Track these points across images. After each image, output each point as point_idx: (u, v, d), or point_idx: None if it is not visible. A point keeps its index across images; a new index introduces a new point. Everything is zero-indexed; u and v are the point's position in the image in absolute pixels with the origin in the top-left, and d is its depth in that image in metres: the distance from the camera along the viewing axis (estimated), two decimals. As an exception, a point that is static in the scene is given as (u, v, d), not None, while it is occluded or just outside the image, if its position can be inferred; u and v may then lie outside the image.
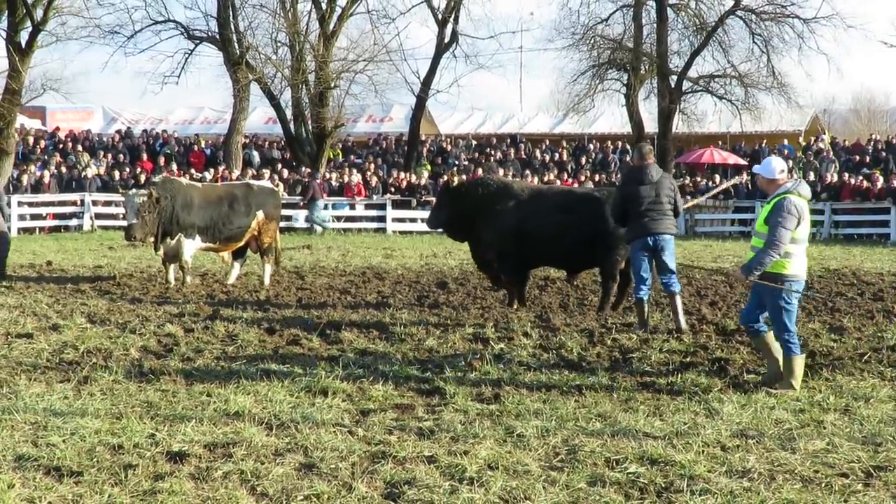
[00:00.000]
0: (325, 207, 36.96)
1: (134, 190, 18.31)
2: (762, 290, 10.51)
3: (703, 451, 8.09)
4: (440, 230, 16.39)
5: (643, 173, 13.98)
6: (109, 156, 42.58)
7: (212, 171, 39.16)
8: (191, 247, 18.42)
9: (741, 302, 16.85)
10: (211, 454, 7.94)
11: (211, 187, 20.61)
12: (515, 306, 15.91)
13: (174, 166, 38.86)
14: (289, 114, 44.57)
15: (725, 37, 44.15)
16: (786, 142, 45.72)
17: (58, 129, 49.16)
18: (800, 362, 10.46)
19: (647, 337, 13.32)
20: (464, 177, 33.64)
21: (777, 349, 10.62)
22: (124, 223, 18.48)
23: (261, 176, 35.74)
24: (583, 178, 39.82)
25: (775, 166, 10.64)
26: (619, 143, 47.90)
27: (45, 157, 40.84)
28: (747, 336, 11.41)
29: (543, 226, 15.69)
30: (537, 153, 46.39)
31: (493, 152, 47.02)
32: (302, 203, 36.02)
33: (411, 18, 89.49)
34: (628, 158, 43.03)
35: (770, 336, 10.72)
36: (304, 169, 40.28)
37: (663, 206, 13.90)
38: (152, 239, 17.86)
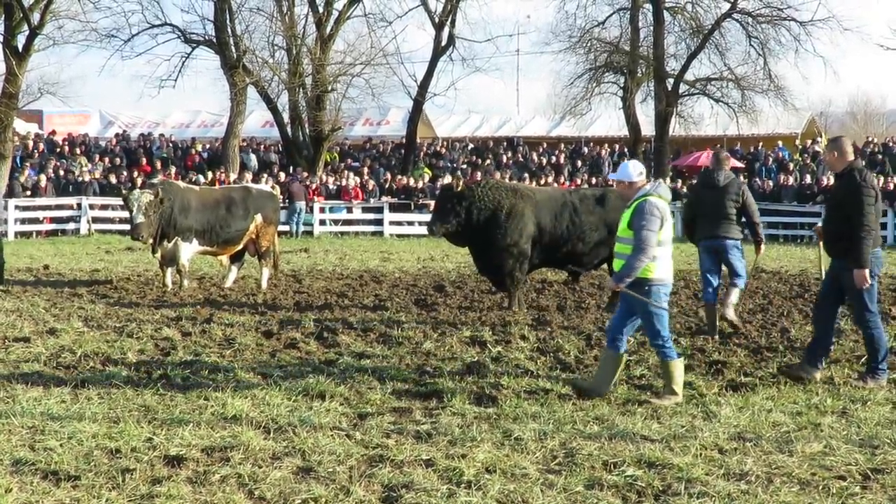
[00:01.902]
0: (310, 210, 36.89)
1: (138, 190, 18.28)
2: (631, 298, 10.18)
3: (700, 454, 8.08)
4: (443, 235, 16.15)
5: (712, 178, 14.06)
6: (106, 159, 42.57)
7: (209, 174, 39.09)
8: (188, 250, 18.42)
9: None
10: (208, 458, 7.93)
11: (209, 191, 20.61)
12: (515, 308, 15.93)
13: (172, 170, 38.86)
14: (286, 117, 44.59)
15: (722, 40, 44.32)
16: (780, 144, 45.73)
17: (54, 132, 49.13)
18: (678, 366, 10.16)
19: (645, 340, 13.31)
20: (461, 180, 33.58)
21: (616, 372, 10.31)
22: (122, 227, 18.44)
23: (259, 179, 35.78)
24: (579, 181, 39.82)
25: (633, 169, 10.34)
26: (616, 146, 47.90)
27: (42, 160, 40.79)
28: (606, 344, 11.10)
29: (562, 227, 15.82)
30: (534, 156, 46.38)
31: (488, 155, 47.03)
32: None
33: (408, 22, 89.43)
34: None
35: (622, 359, 10.37)
36: (302, 172, 40.27)
37: (726, 210, 13.91)
38: (151, 241, 17.87)
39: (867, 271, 10.55)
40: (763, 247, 14.75)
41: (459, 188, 15.91)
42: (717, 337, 13.63)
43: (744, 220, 14.09)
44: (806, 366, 10.89)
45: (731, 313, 14.00)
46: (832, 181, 36.28)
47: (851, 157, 10.86)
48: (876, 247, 10.73)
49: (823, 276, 11.78)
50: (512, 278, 16.01)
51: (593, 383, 10.35)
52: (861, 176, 10.60)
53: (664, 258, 10.09)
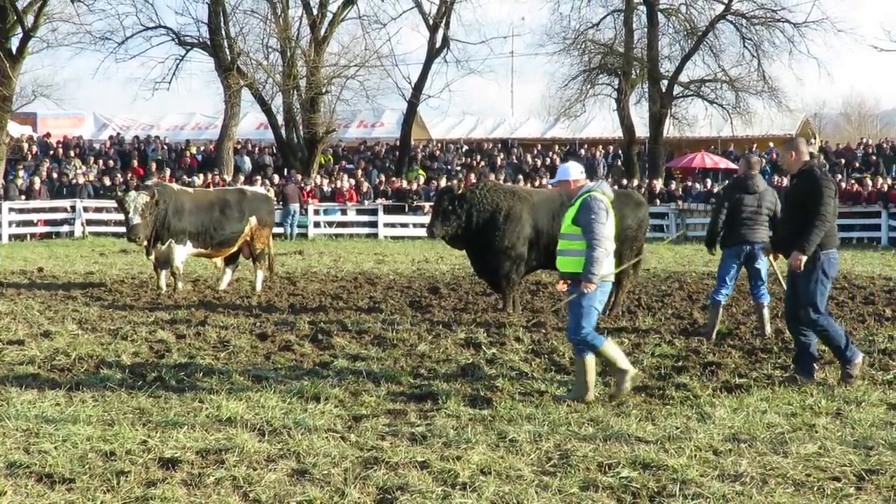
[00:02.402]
0: (304, 213, 36.88)
1: (134, 192, 18.27)
2: (571, 293, 10.19)
3: (695, 456, 8.09)
4: (442, 237, 16.07)
5: (750, 183, 14.08)
6: (101, 162, 42.54)
7: (201, 176, 39.04)
8: (182, 252, 18.41)
9: (733, 306, 16.88)
10: (203, 460, 7.92)
11: (203, 193, 20.59)
12: (509, 310, 15.93)
13: (166, 172, 38.85)
14: (280, 119, 44.60)
15: (716, 41, 44.45)
16: (771, 145, 45.79)
17: (48, 135, 49.11)
18: (610, 346, 10.20)
19: (640, 342, 13.35)
20: (461, 182, 33.59)
21: (592, 370, 10.27)
22: (116, 229, 18.42)
23: (253, 182, 35.77)
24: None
25: (573, 170, 10.43)
26: (611, 148, 47.93)
27: (36, 163, 40.78)
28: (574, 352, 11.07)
29: (559, 229, 15.83)
30: (528, 158, 46.40)
31: (482, 157, 47.07)
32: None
33: (402, 24, 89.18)
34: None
35: (591, 358, 10.33)
36: (296, 174, 40.27)
37: (762, 216, 13.98)
38: (145, 243, 17.87)
39: (804, 258, 10.53)
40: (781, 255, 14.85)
41: (461, 190, 15.89)
42: (712, 339, 13.66)
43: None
44: (801, 376, 10.89)
45: (770, 331, 14.20)
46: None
47: (807, 156, 10.86)
48: (832, 248, 10.68)
49: (786, 287, 11.73)
50: (508, 280, 16.02)
51: (575, 392, 10.35)
52: (820, 171, 10.65)
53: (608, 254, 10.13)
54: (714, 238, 14.27)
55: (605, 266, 10.05)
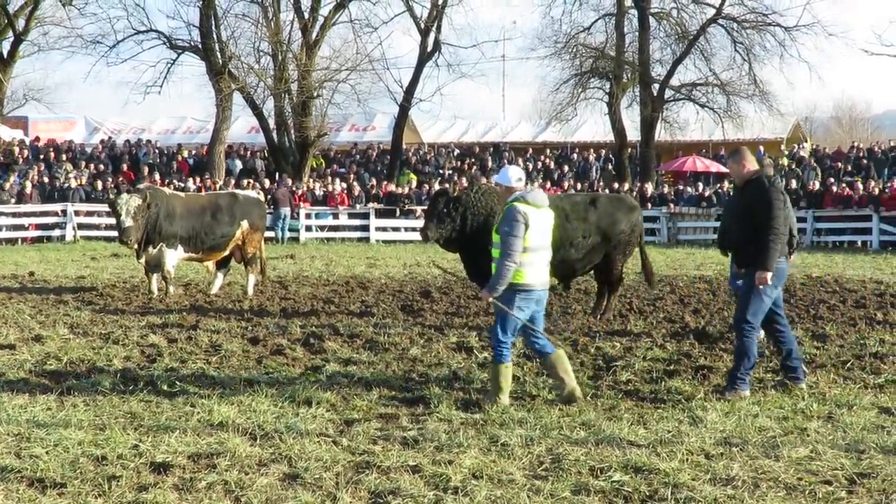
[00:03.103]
0: (296, 217, 36.88)
1: (126, 195, 18.25)
2: (498, 300, 10.14)
3: (687, 459, 8.09)
4: (437, 241, 15.95)
5: None
6: (92, 166, 42.48)
7: (195, 179, 39.05)
8: (173, 257, 18.38)
9: (724, 309, 16.91)
10: (195, 465, 7.92)
11: (194, 197, 20.58)
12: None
13: (157, 176, 38.84)
14: (271, 123, 44.61)
15: (707, 45, 44.56)
16: (762, 149, 45.80)
17: (37, 139, 49.07)
18: (506, 372, 10.11)
19: (632, 346, 13.37)
20: (456, 185, 33.59)
21: (566, 368, 10.31)
22: (107, 233, 18.40)
23: (246, 186, 35.75)
24: (567, 186, 39.84)
25: (512, 174, 10.40)
26: (602, 152, 47.97)
27: (27, 167, 40.72)
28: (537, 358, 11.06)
29: (557, 232, 15.83)
30: (520, 162, 46.41)
31: (473, 160, 47.12)
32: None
33: (394, 27, 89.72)
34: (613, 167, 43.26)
35: (560, 353, 10.42)
36: (287, 178, 40.28)
37: None
38: (136, 246, 17.85)
39: (769, 275, 10.51)
40: (793, 256, 14.93)
41: (456, 193, 15.83)
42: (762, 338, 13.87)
43: None
44: (789, 381, 10.88)
45: None
46: (816, 186, 36.49)
47: (755, 165, 10.80)
48: (780, 256, 10.62)
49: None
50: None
51: (562, 391, 10.32)
52: (769, 182, 10.57)
53: (534, 264, 10.08)
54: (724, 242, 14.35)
55: (533, 275, 10.05)
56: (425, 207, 20.52)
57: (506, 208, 10.11)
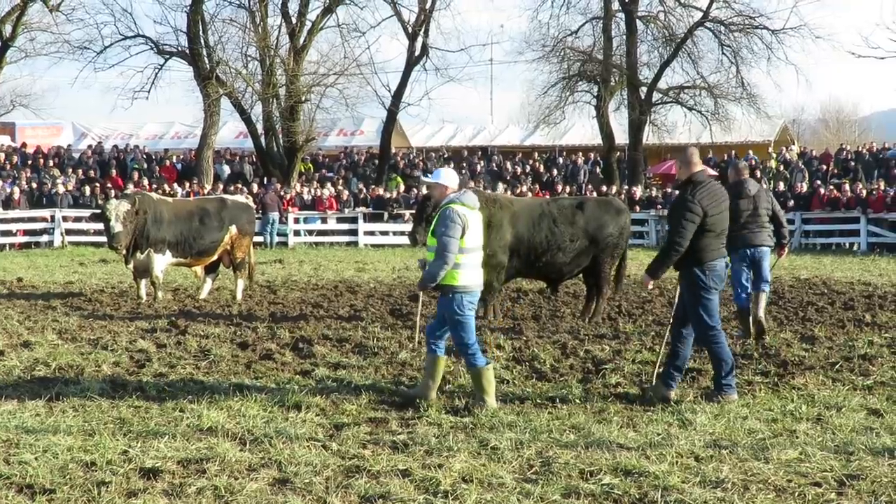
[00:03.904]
0: (284, 221, 36.84)
1: (115, 200, 18.24)
2: (441, 304, 10.27)
3: (676, 462, 8.10)
4: (424, 244, 15.86)
5: (741, 187, 14.29)
6: (80, 171, 42.42)
7: (183, 184, 39.05)
8: (161, 262, 18.38)
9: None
10: (184, 470, 7.90)
11: (182, 202, 20.59)
12: (490, 318, 15.94)
13: (145, 181, 38.78)
14: (260, 128, 44.56)
15: (695, 48, 44.58)
16: (751, 153, 45.83)
17: (24, 145, 49.02)
18: (487, 374, 10.15)
19: (621, 348, 13.38)
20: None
21: (438, 375, 10.41)
22: (96, 239, 18.39)
23: (235, 191, 35.73)
24: (559, 189, 39.80)
25: (448, 175, 10.53)
26: (591, 155, 47.99)
27: (14, 173, 40.66)
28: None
29: (540, 237, 15.84)
30: (508, 165, 46.41)
31: (462, 164, 47.11)
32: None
33: (381, 32, 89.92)
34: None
35: (441, 362, 10.47)
36: (276, 183, 40.26)
37: (761, 218, 14.30)
38: (125, 252, 17.84)
39: (651, 283, 10.49)
40: (786, 250, 15.06)
41: None
42: (750, 340, 13.98)
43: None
44: (660, 387, 10.71)
45: (763, 316, 14.42)
46: (804, 188, 36.56)
47: (697, 168, 10.65)
48: (712, 259, 10.43)
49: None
50: (489, 288, 15.99)
51: (418, 389, 10.47)
52: (691, 192, 10.41)
53: (469, 266, 10.14)
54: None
55: (469, 277, 10.11)
56: (414, 211, 20.55)
57: (442, 209, 10.17)
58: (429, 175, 10.92)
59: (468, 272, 10.10)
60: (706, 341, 10.60)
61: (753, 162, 43.67)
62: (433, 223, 10.25)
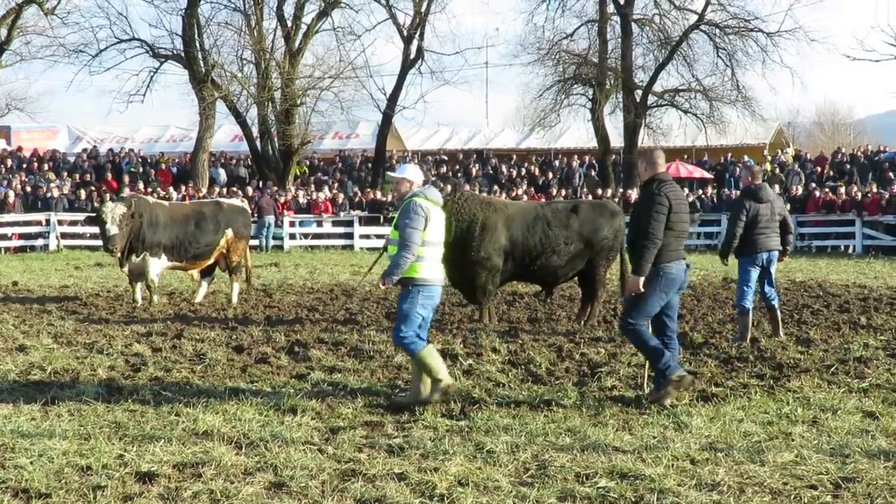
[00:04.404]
0: (280, 225, 36.83)
1: (111, 203, 18.23)
2: (401, 296, 10.33)
3: (672, 465, 8.10)
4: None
5: (762, 192, 14.49)
6: (76, 175, 42.40)
7: (182, 188, 39.04)
8: (156, 265, 18.37)
9: (708, 315, 16.96)
10: (180, 474, 7.89)
11: (178, 206, 20.61)
12: (486, 321, 15.93)
13: (140, 185, 38.78)
14: (255, 131, 44.55)
15: (690, 51, 44.61)
16: (746, 157, 45.84)
17: (20, 148, 49.00)
18: (430, 354, 10.24)
19: (616, 352, 13.38)
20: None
21: (439, 361, 10.40)
22: (91, 242, 18.37)
23: (232, 194, 35.72)
24: (554, 192, 39.81)
25: (412, 170, 10.61)
26: (586, 158, 48.00)
27: (10, 176, 40.63)
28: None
29: (535, 240, 15.85)
30: (504, 168, 46.42)
31: (457, 167, 47.13)
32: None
33: (377, 35, 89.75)
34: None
35: (431, 350, 10.45)
36: (272, 186, 40.26)
37: (775, 223, 14.47)
38: (120, 255, 17.84)
39: (641, 280, 10.40)
40: (786, 256, 15.18)
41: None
42: (745, 343, 14.11)
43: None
44: (660, 391, 10.66)
45: (783, 333, 14.79)
46: (800, 191, 36.58)
47: (660, 168, 10.65)
48: (669, 261, 10.41)
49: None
50: (484, 291, 16.02)
51: (411, 395, 10.46)
52: (657, 187, 10.44)
53: (430, 259, 10.25)
54: (731, 249, 14.45)
55: (429, 270, 10.21)
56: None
57: (405, 202, 10.29)
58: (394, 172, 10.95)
59: (429, 265, 10.23)
60: (625, 332, 10.73)
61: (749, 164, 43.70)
62: (396, 217, 10.36)
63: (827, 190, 37.15)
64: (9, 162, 44.44)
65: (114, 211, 17.54)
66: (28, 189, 38.13)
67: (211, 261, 19.29)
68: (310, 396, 10.55)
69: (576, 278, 16.89)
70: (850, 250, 34.48)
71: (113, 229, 17.45)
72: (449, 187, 37.70)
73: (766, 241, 14.35)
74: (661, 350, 10.44)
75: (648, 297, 10.39)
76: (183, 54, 42.68)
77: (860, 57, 45.47)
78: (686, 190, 40.19)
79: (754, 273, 14.44)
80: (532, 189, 41.17)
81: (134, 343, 14.04)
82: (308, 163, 48.29)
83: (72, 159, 47.74)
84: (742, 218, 14.27)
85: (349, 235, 37.51)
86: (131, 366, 12.50)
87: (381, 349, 13.53)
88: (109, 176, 41.97)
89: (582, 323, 16.02)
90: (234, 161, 48.11)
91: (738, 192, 14.62)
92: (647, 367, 10.98)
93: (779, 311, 14.89)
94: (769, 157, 46.90)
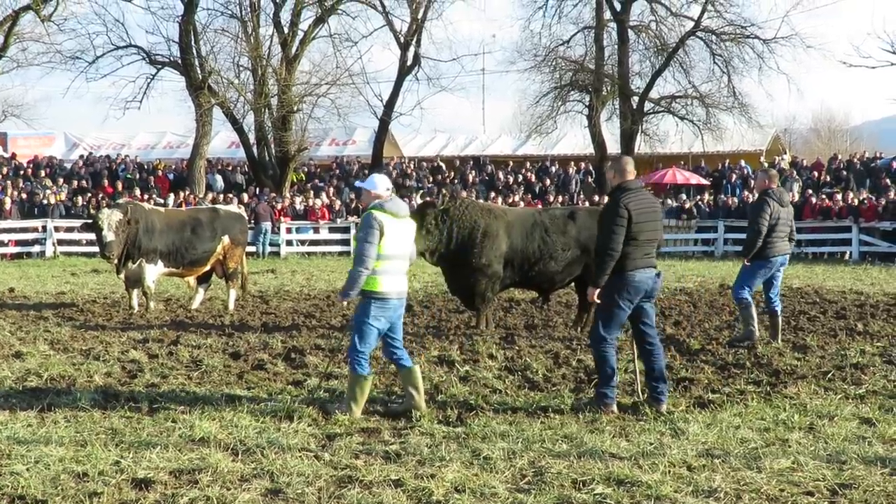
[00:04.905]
0: (276, 231, 36.80)
1: (107, 209, 18.23)
2: (357, 308, 10.30)
3: (669, 472, 8.10)
4: (422, 254, 15.63)
5: (783, 196, 14.69)
6: (75, 182, 42.39)
7: (179, 194, 39.05)
8: (153, 272, 18.35)
9: (705, 321, 16.96)
10: (176, 481, 7.89)
11: (175, 212, 20.58)
12: (483, 328, 15.92)
13: (136, 191, 38.76)
14: (252, 138, 44.52)
15: (686, 58, 44.67)
16: (743, 163, 45.90)
17: (14, 155, 48.98)
18: (363, 384, 10.17)
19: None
20: (446, 196, 33.55)
21: (419, 384, 10.39)
22: (87, 249, 18.37)
23: (228, 201, 35.72)
24: (550, 199, 39.81)
25: (378, 182, 10.43)
26: (583, 164, 48.01)
27: (6, 183, 40.59)
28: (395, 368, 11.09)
29: (533, 246, 15.86)
30: (501, 175, 46.41)
31: (453, 173, 47.14)
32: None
33: (373, 42, 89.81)
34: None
35: (415, 370, 10.48)
36: (269, 192, 40.26)
37: (792, 227, 14.76)
38: (116, 261, 17.83)
39: (597, 291, 10.32)
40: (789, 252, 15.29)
41: (443, 206, 15.79)
42: (757, 337, 14.48)
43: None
44: (649, 402, 10.54)
45: (780, 340, 14.89)
46: (796, 197, 36.62)
47: (629, 176, 10.51)
48: (636, 269, 10.29)
49: None
50: (483, 298, 16.00)
51: (406, 403, 10.42)
52: (617, 197, 10.34)
53: (389, 273, 10.16)
54: (755, 247, 14.46)
55: (388, 283, 10.13)
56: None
57: (364, 215, 10.23)
58: (362, 181, 10.86)
59: (387, 279, 10.12)
60: (594, 348, 10.59)
61: (746, 171, 43.76)
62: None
63: (823, 196, 37.15)
64: (5, 168, 44.40)
65: (110, 217, 17.53)
66: (24, 195, 38.07)
67: (207, 267, 19.27)
68: (306, 403, 10.53)
69: (572, 284, 16.91)
70: (847, 256, 34.49)
71: (109, 236, 17.45)
72: (446, 193, 37.67)
73: (783, 245, 14.54)
74: (612, 376, 10.44)
75: (613, 306, 10.35)
76: (179, 61, 42.64)
77: (856, 63, 45.30)
78: (683, 196, 40.22)
79: (761, 278, 14.51)
80: (529, 195, 41.21)
81: (130, 349, 14.03)
82: (305, 169, 48.30)
83: (68, 166, 47.71)
84: (766, 217, 14.29)
85: (346, 242, 37.39)
86: (128, 372, 12.49)
87: (378, 356, 13.51)
88: (106, 182, 41.97)
89: (579, 329, 16.01)
90: (231, 167, 48.08)
91: (757, 195, 14.60)
92: (637, 372, 11.01)
93: (780, 318, 14.94)
94: (765, 164, 46.92)
